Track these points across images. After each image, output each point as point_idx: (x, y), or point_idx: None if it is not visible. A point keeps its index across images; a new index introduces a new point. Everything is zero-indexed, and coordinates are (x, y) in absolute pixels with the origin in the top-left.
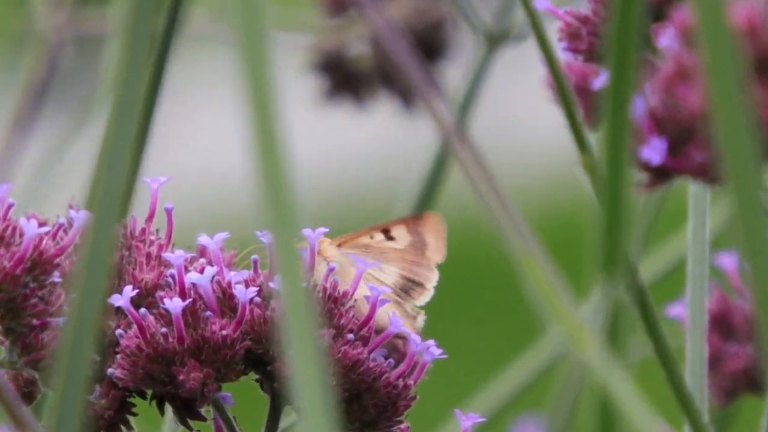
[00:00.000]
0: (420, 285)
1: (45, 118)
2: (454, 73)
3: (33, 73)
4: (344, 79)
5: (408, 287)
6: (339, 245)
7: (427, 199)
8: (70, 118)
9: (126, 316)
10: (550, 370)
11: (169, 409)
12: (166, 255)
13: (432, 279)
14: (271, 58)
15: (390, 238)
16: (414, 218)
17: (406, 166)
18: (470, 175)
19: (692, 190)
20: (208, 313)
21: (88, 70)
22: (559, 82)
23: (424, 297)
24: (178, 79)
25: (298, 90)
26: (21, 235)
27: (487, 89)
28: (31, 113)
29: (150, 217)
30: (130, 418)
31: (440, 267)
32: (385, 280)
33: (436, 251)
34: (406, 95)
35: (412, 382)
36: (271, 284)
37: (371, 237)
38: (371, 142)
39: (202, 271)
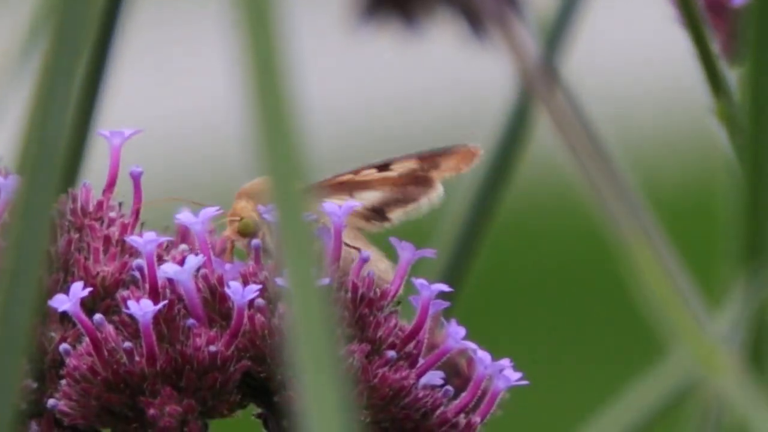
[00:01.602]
0: (405, 201)
1: None
2: None
3: None
4: None
5: (384, 205)
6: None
7: (500, 163)
8: None
9: (75, 325)
10: (674, 404)
11: None
12: (132, 239)
13: (429, 195)
14: None
15: (386, 171)
16: (435, 151)
17: (472, 117)
18: (562, 130)
19: None
20: (191, 321)
21: None
22: None
23: (404, 211)
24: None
25: (320, 6)
26: None
27: (585, 10)
28: None
29: (109, 186)
30: None
31: (516, 260)
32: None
33: (448, 170)
34: (473, 16)
35: (478, 418)
36: (278, 281)
37: (356, 174)
38: (424, 82)
39: (182, 262)
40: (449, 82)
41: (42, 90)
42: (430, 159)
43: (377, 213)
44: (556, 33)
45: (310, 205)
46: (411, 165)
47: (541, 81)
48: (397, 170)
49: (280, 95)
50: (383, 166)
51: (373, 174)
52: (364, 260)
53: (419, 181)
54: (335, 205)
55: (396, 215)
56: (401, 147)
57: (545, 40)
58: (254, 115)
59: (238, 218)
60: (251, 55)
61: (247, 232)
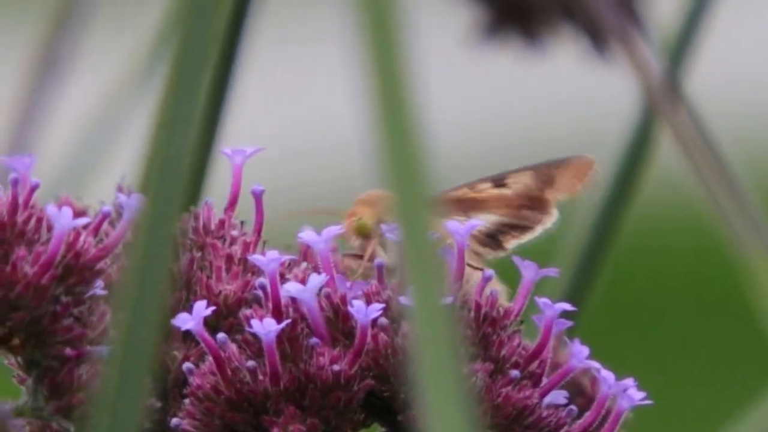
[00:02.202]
0: (521, 228)
1: (81, 67)
2: (666, 3)
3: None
4: (510, 9)
5: (499, 232)
6: None
7: (623, 179)
8: (118, 66)
9: (198, 343)
10: None
11: None
12: (254, 257)
13: (543, 220)
14: None
15: (501, 185)
16: (550, 163)
17: (594, 134)
18: (685, 148)
19: None
20: (314, 339)
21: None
22: None
23: (518, 241)
24: (271, 19)
25: (442, 25)
26: (49, 230)
27: (711, 28)
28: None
29: (231, 204)
30: None
31: (640, 278)
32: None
33: (562, 189)
34: (596, 33)
35: None
36: (402, 300)
37: (471, 188)
38: (546, 99)
39: (305, 281)
40: (571, 100)
41: (166, 107)
42: (546, 172)
43: (492, 239)
44: (680, 49)
45: (433, 224)
46: (526, 180)
47: (664, 97)
48: (512, 186)
49: (404, 110)
50: (498, 180)
51: (489, 191)
52: (487, 279)
53: (534, 203)
54: (458, 224)
55: (511, 244)
56: (522, 164)
57: (669, 55)
58: (378, 130)
59: (356, 217)
60: (375, 70)
61: (362, 233)
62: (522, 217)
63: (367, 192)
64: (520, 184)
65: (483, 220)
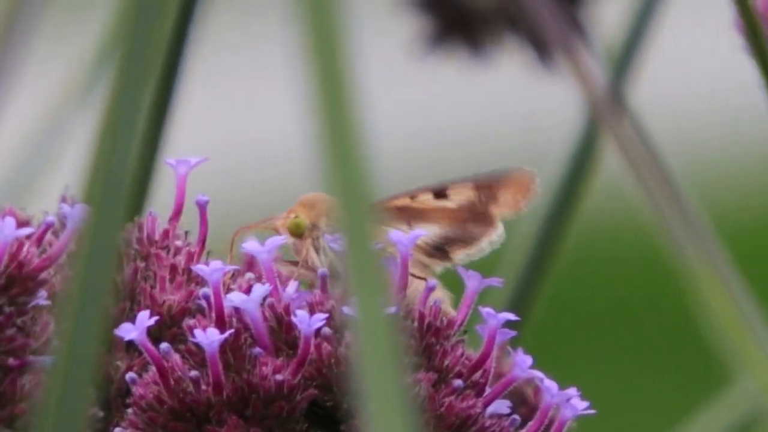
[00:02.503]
0: (464, 242)
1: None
2: (609, 12)
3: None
4: (455, 20)
5: (444, 244)
6: None
7: (567, 190)
8: (61, 75)
9: (141, 353)
10: None
11: None
12: (198, 268)
13: (487, 234)
14: None
15: (442, 197)
16: (491, 175)
17: (537, 144)
18: (629, 159)
19: None
20: (257, 349)
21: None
22: (752, 25)
23: (466, 252)
24: (214, 26)
25: (387, 31)
26: None
27: (654, 36)
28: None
29: (176, 214)
30: None
31: (584, 289)
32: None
33: (506, 206)
34: (540, 44)
35: None
36: (345, 309)
37: (412, 198)
38: (491, 110)
39: (248, 291)
40: (515, 109)
41: (109, 116)
42: (487, 186)
43: (439, 251)
44: (624, 59)
45: (376, 233)
46: (468, 193)
47: (608, 108)
48: (454, 199)
49: (347, 118)
50: (439, 191)
51: (430, 201)
52: (431, 289)
53: (479, 217)
54: (401, 234)
55: (458, 256)
56: (463, 175)
57: (612, 66)
58: (321, 141)
59: (293, 215)
60: (317, 77)
61: (296, 231)
62: (467, 231)
63: (309, 194)
64: (462, 196)
65: (428, 232)
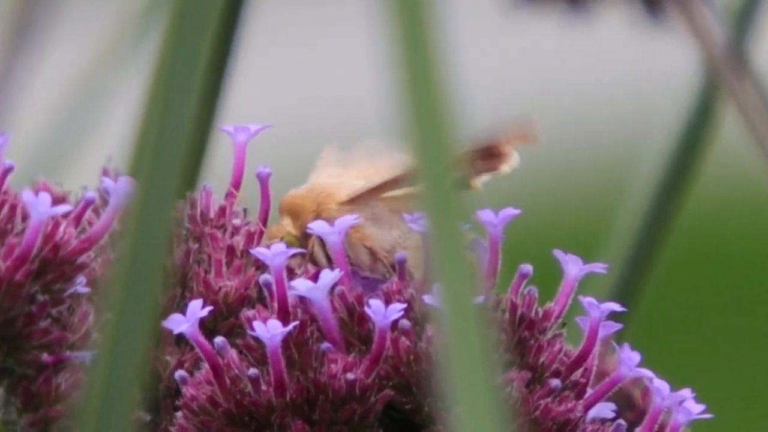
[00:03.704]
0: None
1: (60, 34)
2: None
3: None
4: None
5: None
6: (352, 201)
7: (681, 161)
8: (102, 33)
9: (192, 348)
10: None
11: None
12: (258, 250)
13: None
14: None
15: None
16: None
17: (649, 108)
18: (752, 124)
19: None
20: (326, 344)
21: None
22: None
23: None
24: None
25: None
26: (24, 219)
27: None
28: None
29: (233, 189)
30: None
31: (699, 273)
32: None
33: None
34: None
35: None
36: (426, 299)
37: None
38: (593, 71)
39: (316, 278)
40: (622, 72)
41: (159, 78)
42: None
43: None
44: (746, 14)
45: (464, 213)
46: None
47: (728, 69)
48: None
49: (433, 85)
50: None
51: None
52: (524, 276)
53: (491, 155)
54: (492, 214)
55: (480, 180)
56: (553, 147)
57: (733, 22)
58: (404, 107)
59: (281, 235)
60: (401, 39)
61: (294, 244)
62: (480, 167)
63: (287, 196)
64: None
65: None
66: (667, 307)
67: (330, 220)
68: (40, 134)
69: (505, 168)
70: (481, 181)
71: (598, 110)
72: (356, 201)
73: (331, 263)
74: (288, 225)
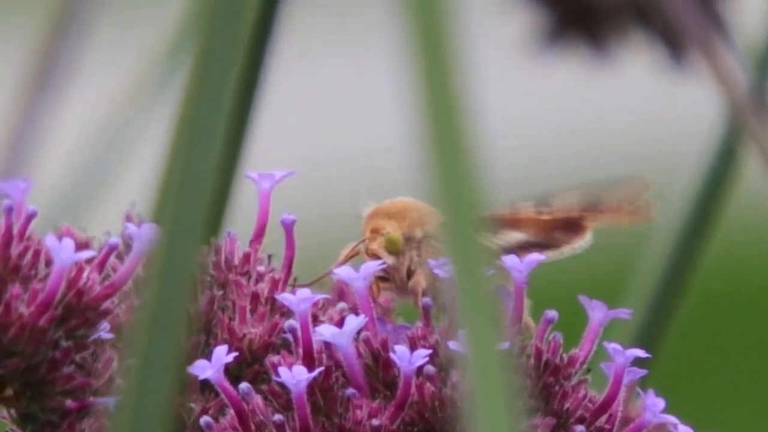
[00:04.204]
0: (545, 246)
1: (84, 77)
2: (750, 4)
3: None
4: (576, 14)
5: (519, 248)
6: None
7: (704, 205)
8: (126, 76)
9: (217, 394)
10: None
11: None
12: (283, 297)
13: (573, 243)
14: None
15: (544, 206)
16: (602, 185)
17: (672, 151)
18: None
19: None
20: (351, 390)
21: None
22: None
23: (545, 254)
24: (304, 18)
25: (498, 31)
26: (48, 264)
27: None
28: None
29: (258, 236)
30: None
31: (724, 318)
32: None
33: (608, 213)
34: (672, 39)
35: None
36: (451, 345)
37: (512, 209)
38: (614, 114)
39: (340, 324)
40: (644, 115)
41: (184, 123)
42: (594, 194)
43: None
44: None
45: (488, 258)
46: (570, 202)
47: (751, 113)
48: (554, 209)
49: (457, 128)
50: (543, 201)
51: (526, 211)
52: (549, 321)
53: (570, 226)
54: (516, 259)
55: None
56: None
57: (756, 66)
58: (427, 152)
59: (383, 231)
60: (424, 84)
61: (393, 249)
62: (552, 238)
63: (389, 201)
64: (562, 206)
65: (509, 239)
66: (692, 352)
67: (429, 235)
68: (62, 179)
69: (566, 249)
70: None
71: (622, 154)
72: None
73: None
74: (391, 226)
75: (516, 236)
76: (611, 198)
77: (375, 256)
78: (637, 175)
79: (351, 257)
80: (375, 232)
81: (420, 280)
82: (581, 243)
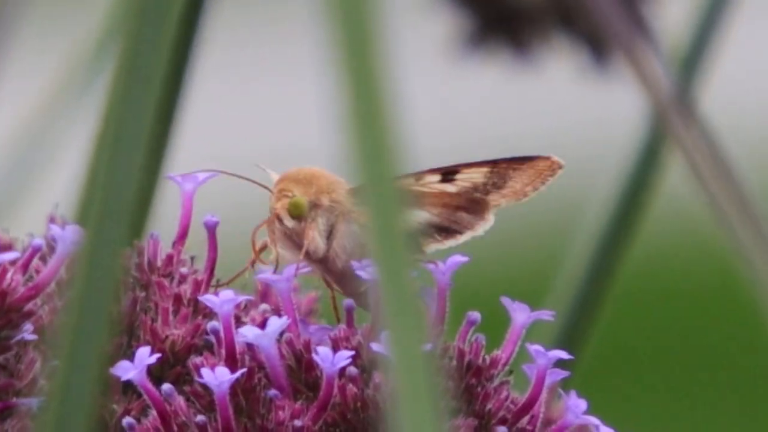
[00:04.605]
0: (448, 231)
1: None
2: (674, 7)
3: None
4: (499, 16)
5: (423, 234)
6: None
7: (626, 207)
8: (50, 74)
9: (140, 395)
10: None
11: None
12: (206, 298)
13: (475, 227)
14: None
15: (450, 180)
16: (515, 159)
17: (596, 155)
18: (697, 171)
19: None
20: (273, 391)
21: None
22: None
23: (440, 245)
24: (227, 19)
25: (422, 34)
26: None
27: (726, 37)
28: None
29: (180, 237)
30: None
31: (644, 319)
32: None
33: (507, 195)
34: (596, 42)
35: None
36: (374, 346)
37: (417, 179)
38: (541, 116)
39: (263, 325)
40: (567, 118)
41: (108, 123)
42: (503, 171)
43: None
44: (692, 60)
45: (413, 261)
46: (476, 176)
47: (674, 115)
48: (459, 183)
49: (382, 131)
50: (449, 173)
51: (432, 184)
52: (472, 323)
53: (473, 205)
54: (440, 263)
55: (430, 248)
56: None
57: (680, 68)
58: (351, 154)
59: (289, 194)
60: (349, 86)
61: (296, 213)
62: (455, 220)
63: (294, 168)
64: (467, 182)
65: (414, 219)
66: (612, 355)
67: (337, 202)
68: None
69: (467, 234)
70: (430, 249)
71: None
72: (357, 193)
73: (327, 241)
74: (297, 191)
75: (421, 216)
76: (517, 178)
77: (277, 217)
78: (544, 156)
79: (262, 250)
80: (281, 193)
81: (309, 235)
82: (483, 227)
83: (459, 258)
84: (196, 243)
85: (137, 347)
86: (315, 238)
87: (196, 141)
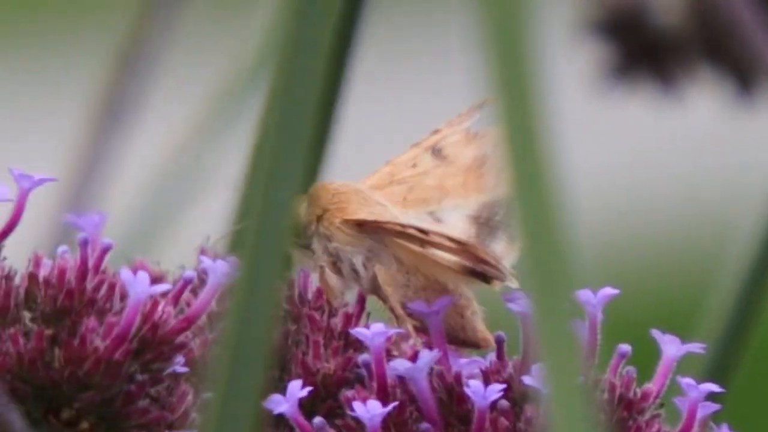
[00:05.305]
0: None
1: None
2: None
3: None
4: (643, 48)
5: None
6: (358, 225)
7: None
8: (198, 104)
9: (291, 429)
10: None
11: None
12: (357, 331)
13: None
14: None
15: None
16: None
17: (744, 188)
18: None
19: None
20: (425, 425)
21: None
22: None
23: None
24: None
25: (565, 66)
26: (123, 298)
27: None
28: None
29: None
30: None
31: None
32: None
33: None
34: (743, 73)
35: None
36: (526, 379)
37: (414, 166)
38: (686, 147)
39: (414, 358)
40: (713, 151)
41: (263, 150)
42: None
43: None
44: None
45: (568, 294)
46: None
47: None
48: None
49: (539, 166)
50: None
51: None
52: (623, 356)
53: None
54: (591, 294)
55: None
56: (648, 226)
57: None
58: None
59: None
60: (503, 119)
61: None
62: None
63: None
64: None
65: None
66: (764, 384)
67: (327, 234)
68: (135, 212)
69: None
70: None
71: (693, 191)
72: (363, 227)
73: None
74: (303, 208)
75: (463, 216)
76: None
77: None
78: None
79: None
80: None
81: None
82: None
83: (610, 290)
84: None
85: (288, 380)
86: (326, 281)
87: (349, 166)
